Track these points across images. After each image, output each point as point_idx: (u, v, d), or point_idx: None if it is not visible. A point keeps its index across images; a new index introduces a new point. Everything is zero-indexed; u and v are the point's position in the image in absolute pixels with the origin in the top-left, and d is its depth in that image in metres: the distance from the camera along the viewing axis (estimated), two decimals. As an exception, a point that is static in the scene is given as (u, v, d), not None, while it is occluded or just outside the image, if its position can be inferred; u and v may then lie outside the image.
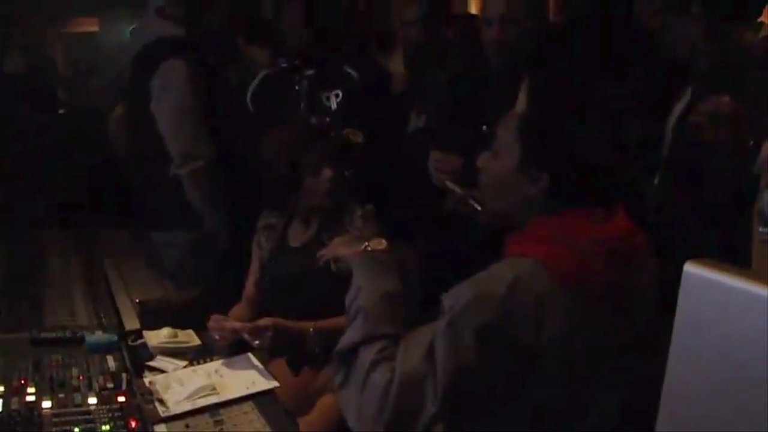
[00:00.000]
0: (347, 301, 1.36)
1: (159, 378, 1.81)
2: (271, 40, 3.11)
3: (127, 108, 3.12)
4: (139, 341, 1.99)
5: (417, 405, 1.17)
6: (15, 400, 1.64)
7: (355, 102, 2.64)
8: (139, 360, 1.89)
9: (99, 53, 4.28)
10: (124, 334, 2.02)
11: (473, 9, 4.49)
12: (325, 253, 1.64)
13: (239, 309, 2.28)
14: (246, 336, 1.93)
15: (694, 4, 2.11)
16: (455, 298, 1.22)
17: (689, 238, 1.97)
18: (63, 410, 1.61)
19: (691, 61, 2.15)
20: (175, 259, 2.74)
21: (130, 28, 3.07)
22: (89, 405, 1.64)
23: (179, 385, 1.77)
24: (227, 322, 1.98)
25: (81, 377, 1.76)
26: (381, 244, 1.44)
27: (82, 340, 1.96)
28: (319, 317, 2.04)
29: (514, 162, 1.34)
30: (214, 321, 1.99)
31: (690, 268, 0.73)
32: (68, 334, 2.00)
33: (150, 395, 1.70)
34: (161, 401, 1.68)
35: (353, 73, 2.67)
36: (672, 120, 2.15)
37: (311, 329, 2.02)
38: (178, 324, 2.03)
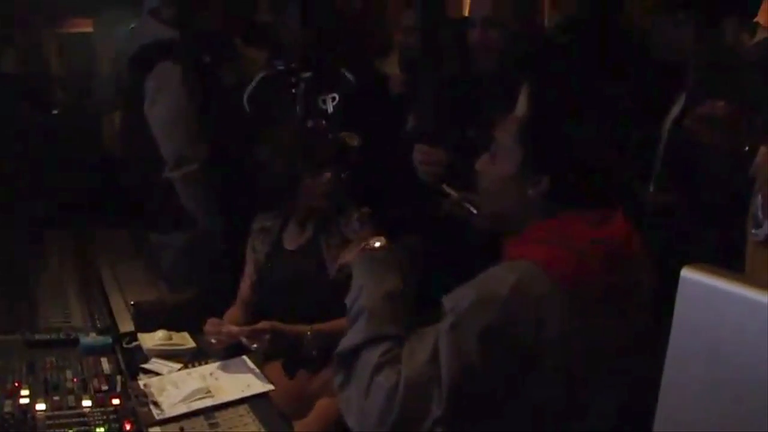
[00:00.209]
0: (348, 302, 1.34)
1: (154, 380, 1.80)
2: (268, 41, 3.11)
3: (124, 109, 3.11)
4: (134, 343, 1.98)
5: (422, 408, 1.17)
6: (9, 402, 1.63)
7: (352, 105, 2.64)
8: (134, 362, 1.89)
9: (94, 54, 4.27)
10: (118, 337, 2.01)
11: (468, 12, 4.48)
12: (340, 264, 1.59)
13: (234, 312, 2.27)
14: (243, 339, 1.93)
15: (680, 7, 2.11)
16: (457, 300, 1.22)
17: (686, 240, 1.98)
18: (57, 413, 1.61)
19: (684, 63, 2.16)
20: (170, 261, 2.73)
21: (130, 27, 3.07)
22: (83, 407, 1.64)
23: (174, 387, 1.76)
24: (224, 326, 1.97)
25: (75, 379, 1.76)
26: (380, 241, 1.43)
27: (76, 342, 1.95)
28: (315, 320, 2.04)
29: (514, 165, 1.33)
30: (211, 325, 1.98)
31: (687, 273, 0.74)
32: (62, 336, 1.99)
33: (145, 398, 1.70)
34: (156, 404, 1.68)
35: (350, 76, 2.67)
36: (668, 122, 2.16)
37: (309, 332, 2.02)
38: (173, 326, 2.03)
